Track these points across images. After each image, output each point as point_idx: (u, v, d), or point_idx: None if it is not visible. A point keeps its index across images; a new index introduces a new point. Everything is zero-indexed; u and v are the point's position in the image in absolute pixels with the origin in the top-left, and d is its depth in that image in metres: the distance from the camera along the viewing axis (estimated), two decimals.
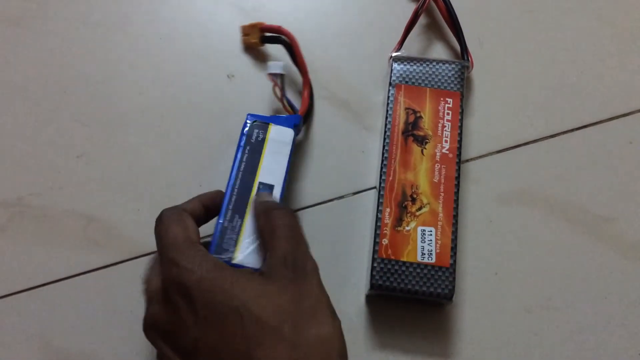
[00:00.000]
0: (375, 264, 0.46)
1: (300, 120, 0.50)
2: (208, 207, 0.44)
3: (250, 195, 0.44)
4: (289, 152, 0.46)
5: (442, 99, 0.51)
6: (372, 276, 0.46)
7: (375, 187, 0.52)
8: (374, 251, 0.46)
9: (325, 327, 0.37)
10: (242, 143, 0.46)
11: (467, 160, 0.53)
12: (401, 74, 0.52)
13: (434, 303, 0.47)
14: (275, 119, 0.48)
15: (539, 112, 0.55)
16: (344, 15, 0.59)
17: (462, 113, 0.51)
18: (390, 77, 0.52)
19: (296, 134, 0.48)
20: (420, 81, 0.52)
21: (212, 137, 0.54)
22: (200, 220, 0.43)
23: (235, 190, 0.44)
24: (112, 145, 0.54)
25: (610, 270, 0.50)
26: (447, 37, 0.57)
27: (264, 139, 0.47)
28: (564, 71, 0.56)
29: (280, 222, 0.40)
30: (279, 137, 0.47)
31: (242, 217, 0.43)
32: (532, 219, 0.51)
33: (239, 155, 0.46)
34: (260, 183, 0.45)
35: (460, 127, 0.50)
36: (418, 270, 0.46)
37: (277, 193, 0.45)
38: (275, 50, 0.55)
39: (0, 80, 0.56)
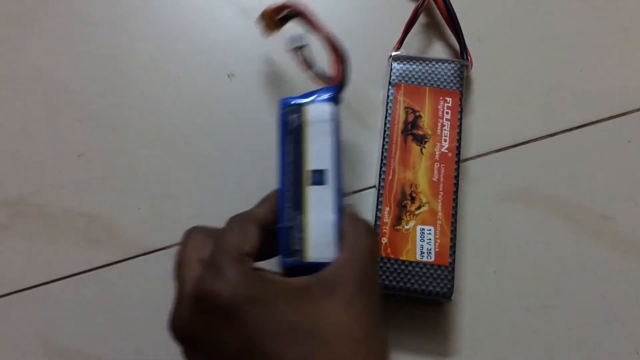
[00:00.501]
0: None
1: (336, 89, 0.46)
2: (277, 212, 0.42)
3: (304, 188, 0.42)
4: (332, 130, 0.43)
5: (441, 98, 0.51)
6: None
7: (374, 186, 0.52)
8: None
9: (379, 355, 0.37)
10: (283, 133, 0.43)
11: (466, 159, 0.53)
12: (400, 73, 0.52)
13: (433, 302, 0.47)
14: (310, 96, 0.45)
15: (538, 111, 0.55)
16: (343, 14, 0.59)
17: (461, 112, 0.51)
18: (390, 76, 0.52)
19: (337, 105, 0.44)
20: (419, 80, 0.52)
21: (212, 135, 0.55)
22: (270, 225, 0.41)
23: (288, 186, 0.42)
24: (112, 144, 0.54)
25: (609, 268, 0.50)
26: (446, 36, 0.57)
27: (303, 123, 0.43)
28: (563, 70, 0.56)
29: (363, 237, 0.39)
30: (318, 116, 0.43)
31: (302, 212, 0.41)
32: (531, 217, 0.52)
33: (282, 148, 0.43)
34: (311, 171, 0.42)
35: (460, 126, 0.50)
36: (417, 269, 0.46)
37: (330, 177, 0.42)
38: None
39: (0, 79, 0.56)
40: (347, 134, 0.54)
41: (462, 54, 0.54)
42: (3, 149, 0.54)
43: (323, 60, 0.48)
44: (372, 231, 0.40)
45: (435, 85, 0.51)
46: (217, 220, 0.52)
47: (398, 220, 0.47)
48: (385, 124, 0.50)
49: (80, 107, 0.55)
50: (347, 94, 0.55)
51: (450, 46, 0.57)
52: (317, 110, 0.43)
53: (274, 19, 0.51)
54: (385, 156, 0.49)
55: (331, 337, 0.35)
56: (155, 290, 0.50)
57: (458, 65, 0.52)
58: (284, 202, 0.41)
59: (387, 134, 0.50)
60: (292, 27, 0.50)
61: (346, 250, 0.39)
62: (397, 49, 0.55)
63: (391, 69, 0.52)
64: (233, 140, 0.54)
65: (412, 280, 0.45)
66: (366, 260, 0.38)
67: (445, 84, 0.51)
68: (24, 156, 0.54)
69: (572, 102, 0.55)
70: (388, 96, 0.51)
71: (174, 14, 0.59)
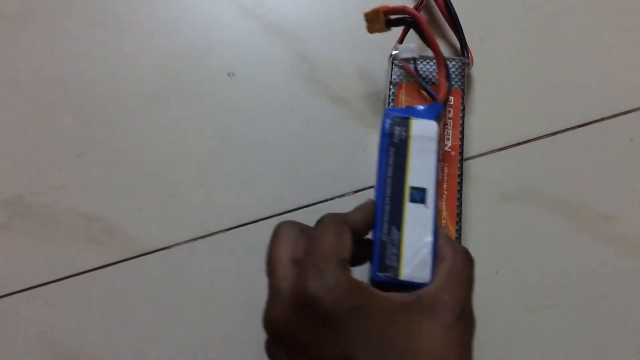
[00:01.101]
0: None
1: (441, 109, 0.45)
2: (371, 223, 0.41)
3: (403, 203, 0.41)
4: (435, 149, 0.42)
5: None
6: None
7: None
8: None
9: None
10: (385, 145, 0.42)
11: (468, 159, 0.53)
12: (401, 72, 0.52)
13: None
14: (415, 111, 0.44)
15: (540, 109, 0.54)
16: (344, 12, 0.58)
17: (463, 110, 0.50)
18: (391, 75, 0.52)
19: (439, 125, 0.44)
20: (421, 79, 0.51)
21: (212, 135, 0.54)
22: (360, 234, 0.40)
23: (387, 199, 0.41)
24: (112, 143, 0.54)
25: (611, 268, 0.50)
26: (446, 34, 0.57)
27: (407, 137, 0.42)
28: (566, 68, 0.56)
29: (461, 264, 0.38)
30: (423, 133, 0.43)
31: (399, 228, 0.40)
32: (533, 216, 0.52)
33: (384, 159, 0.42)
34: (411, 188, 0.41)
35: (462, 124, 0.50)
36: None
37: (430, 197, 0.41)
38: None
39: (0, 78, 0.56)
40: (347, 133, 0.54)
41: (462, 51, 0.54)
42: (3, 149, 0.54)
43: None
44: (471, 259, 0.40)
45: (437, 84, 0.51)
46: (219, 220, 0.52)
47: None
48: None
49: (81, 106, 0.55)
50: (348, 92, 0.55)
51: (450, 44, 0.57)
52: (424, 127, 0.43)
53: (385, 18, 0.51)
54: None
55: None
56: (156, 290, 0.50)
57: (459, 63, 0.52)
58: (381, 215, 0.41)
59: None
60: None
61: (444, 274, 0.38)
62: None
63: (392, 68, 0.52)
64: (233, 140, 0.54)
65: None
66: (465, 290, 0.38)
67: None
68: (24, 156, 0.54)
69: (574, 101, 0.55)
70: (389, 95, 0.51)
71: (175, 12, 0.58)
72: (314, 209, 0.52)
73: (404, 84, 0.51)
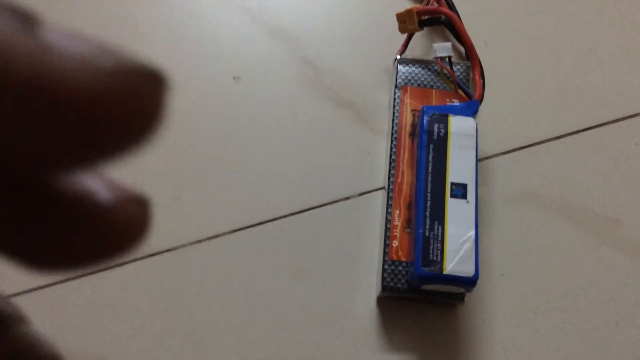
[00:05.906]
0: (386, 266, 0.46)
1: (478, 106, 0.47)
2: None
3: (445, 199, 0.42)
4: (475, 145, 0.44)
5: (448, 100, 0.51)
6: (383, 278, 0.46)
7: (381, 188, 0.52)
8: (385, 253, 0.46)
9: None
10: (424, 141, 0.44)
11: None
12: (406, 76, 0.52)
13: (446, 304, 0.47)
14: (452, 108, 0.46)
15: (544, 113, 0.55)
16: (348, 17, 0.59)
17: None
18: (396, 79, 0.52)
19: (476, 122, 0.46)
20: (425, 83, 0.52)
21: (217, 137, 0.54)
22: None
23: (429, 194, 0.42)
24: None
25: (616, 271, 0.50)
26: (450, 39, 0.57)
27: (446, 134, 0.44)
28: (570, 73, 0.56)
29: None
30: (462, 130, 0.44)
31: (441, 223, 0.41)
32: (538, 220, 0.52)
33: (424, 156, 0.43)
34: (452, 184, 0.42)
35: None
36: None
37: (471, 192, 0.42)
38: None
39: None
40: (352, 136, 0.54)
41: (467, 55, 0.54)
42: None
43: None
44: None
45: (441, 88, 0.51)
46: (223, 222, 0.52)
47: (408, 222, 0.47)
48: (392, 126, 0.50)
49: None
50: (352, 96, 0.55)
51: (455, 48, 0.57)
52: (463, 124, 0.44)
53: (419, 19, 0.52)
54: (393, 159, 0.49)
55: None
56: (162, 291, 0.50)
57: (464, 67, 0.52)
58: (422, 211, 0.42)
59: (395, 137, 0.50)
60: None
61: None
62: (402, 52, 0.55)
63: (397, 72, 0.52)
64: (238, 142, 0.54)
65: None
66: None
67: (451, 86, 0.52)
68: None
69: (578, 105, 0.55)
70: (394, 99, 0.51)
71: (179, 15, 0.58)
72: (319, 212, 0.52)
73: (409, 88, 0.51)
